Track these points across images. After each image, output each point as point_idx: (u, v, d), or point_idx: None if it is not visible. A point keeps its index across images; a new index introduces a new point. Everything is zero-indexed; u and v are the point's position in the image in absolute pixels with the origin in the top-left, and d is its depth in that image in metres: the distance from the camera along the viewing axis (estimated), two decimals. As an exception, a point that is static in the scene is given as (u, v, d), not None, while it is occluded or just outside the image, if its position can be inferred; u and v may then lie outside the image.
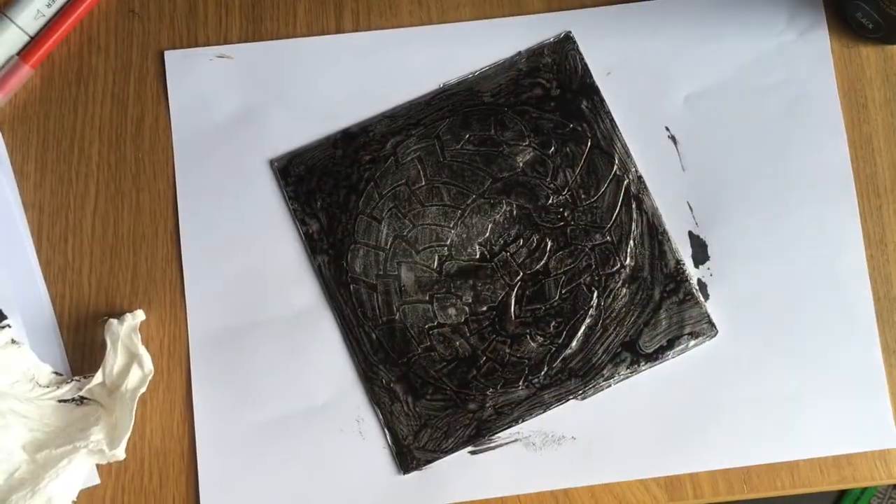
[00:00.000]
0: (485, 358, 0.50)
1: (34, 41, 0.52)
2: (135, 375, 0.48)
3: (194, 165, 0.52)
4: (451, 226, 0.51)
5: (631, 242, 0.51)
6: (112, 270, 0.51)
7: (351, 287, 0.51)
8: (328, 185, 0.52)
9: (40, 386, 0.48)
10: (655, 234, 0.51)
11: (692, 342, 0.50)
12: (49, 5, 0.52)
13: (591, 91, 0.52)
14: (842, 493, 0.99)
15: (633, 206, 0.51)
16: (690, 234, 0.52)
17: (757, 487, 0.50)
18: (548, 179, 0.52)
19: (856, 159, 0.52)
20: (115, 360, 0.48)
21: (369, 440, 0.50)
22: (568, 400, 0.50)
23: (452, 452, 0.50)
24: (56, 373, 0.49)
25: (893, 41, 0.52)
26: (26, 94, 0.53)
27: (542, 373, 0.50)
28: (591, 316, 0.51)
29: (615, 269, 0.51)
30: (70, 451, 0.47)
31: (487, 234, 0.51)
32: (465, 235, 0.51)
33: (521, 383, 0.50)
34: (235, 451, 0.50)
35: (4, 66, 0.52)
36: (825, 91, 0.53)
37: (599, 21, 0.53)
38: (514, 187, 0.52)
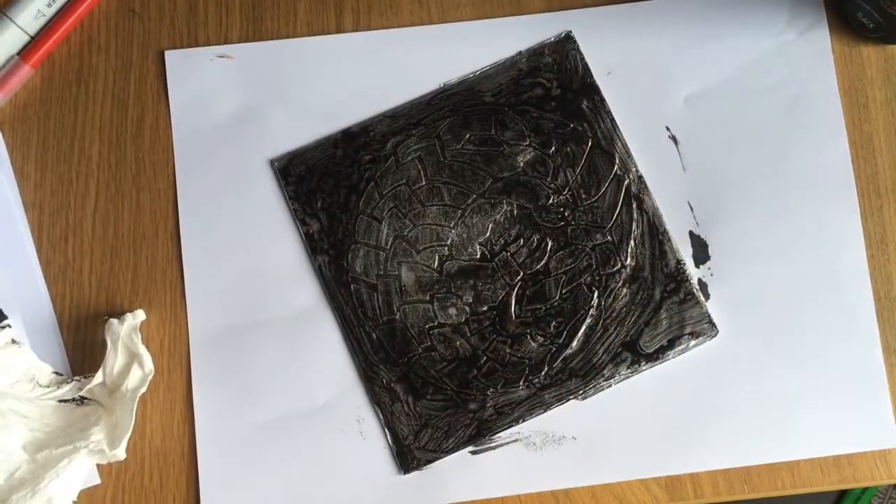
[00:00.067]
0: (485, 358, 0.50)
1: (34, 41, 0.52)
2: (135, 375, 0.48)
3: (195, 165, 0.52)
4: (452, 225, 0.51)
5: (631, 242, 0.51)
6: (112, 270, 0.51)
7: (351, 287, 0.51)
8: (328, 185, 0.52)
9: (40, 386, 0.48)
10: (656, 233, 0.51)
11: (693, 342, 0.50)
12: (49, 5, 0.52)
13: (592, 91, 0.52)
14: (842, 493, 0.99)
15: (634, 205, 0.51)
16: (691, 233, 0.52)
17: (757, 487, 0.50)
18: (548, 179, 0.52)
19: (856, 159, 0.52)
20: (115, 359, 0.48)
21: (370, 440, 0.50)
22: (568, 400, 0.50)
23: (453, 452, 0.50)
24: (56, 373, 0.49)
25: (894, 41, 0.52)
26: (26, 93, 0.52)
27: (543, 373, 0.50)
28: (592, 316, 0.51)
29: (616, 268, 0.51)
30: (70, 451, 0.47)
31: (488, 234, 0.51)
32: (465, 235, 0.51)
33: (521, 383, 0.50)
34: (236, 451, 0.50)
35: (5, 65, 0.52)
36: (826, 91, 0.53)
37: (600, 21, 0.53)
38: (515, 187, 0.52)
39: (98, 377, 0.48)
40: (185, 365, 0.50)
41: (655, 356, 0.50)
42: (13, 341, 0.48)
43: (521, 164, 0.52)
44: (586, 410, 0.50)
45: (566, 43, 0.53)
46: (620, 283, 0.51)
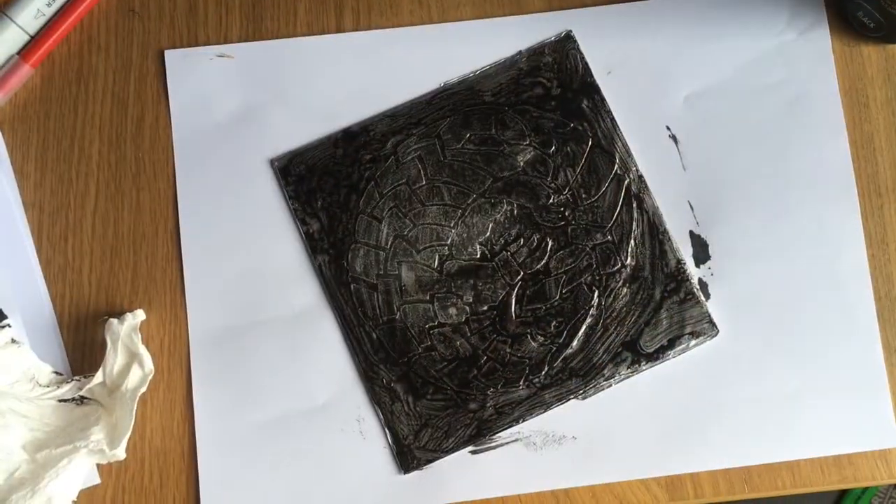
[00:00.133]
0: (485, 357, 0.50)
1: (34, 40, 0.52)
2: (135, 375, 0.48)
3: (194, 165, 0.52)
4: (452, 225, 0.51)
5: (632, 242, 0.51)
6: (112, 270, 0.51)
7: (351, 286, 0.51)
8: (329, 185, 0.52)
9: (40, 385, 0.48)
10: (656, 233, 0.51)
11: (693, 342, 0.50)
12: (49, 4, 0.52)
13: (592, 90, 0.52)
14: (842, 493, 0.99)
15: (634, 205, 0.51)
16: (691, 233, 0.52)
17: (758, 487, 0.50)
18: (548, 179, 0.52)
19: (857, 159, 0.52)
20: (115, 359, 0.48)
21: (370, 440, 0.50)
22: (568, 399, 0.50)
23: (453, 452, 0.50)
24: (56, 372, 0.49)
25: (895, 40, 0.52)
26: (26, 93, 0.52)
27: (543, 372, 0.50)
28: (592, 315, 0.51)
29: (616, 268, 0.51)
30: (70, 450, 0.47)
31: (488, 234, 0.51)
32: (465, 235, 0.51)
33: (521, 383, 0.50)
34: (236, 451, 0.50)
35: (5, 65, 0.52)
36: (826, 90, 0.52)
37: (600, 20, 0.53)
38: (515, 186, 0.52)
39: (98, 377, 0.48)
40: (185, 365, 0.50)
41: (656, 356, 0.50)
42: (13, 341, 0.48)
43: (522, 164, 0.52)
44: (586, 410, 0.50)
45: (566, 42, 0.53)
46: (621, 283, 0.51)
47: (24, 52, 0.52)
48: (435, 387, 0.50)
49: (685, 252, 0.51)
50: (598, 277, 0.51)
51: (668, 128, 0.52)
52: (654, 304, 0.51)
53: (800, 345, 0.50)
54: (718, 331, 0.50)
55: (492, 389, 0.50)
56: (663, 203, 0.52)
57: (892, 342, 0.50)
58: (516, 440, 0.50)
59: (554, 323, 0.51)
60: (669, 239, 0.51)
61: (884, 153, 0.52)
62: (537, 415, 0.50)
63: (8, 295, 0.50)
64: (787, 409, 0.50)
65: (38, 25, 0.53)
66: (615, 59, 0.53)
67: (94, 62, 0.53)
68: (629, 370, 0.50)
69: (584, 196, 0.51)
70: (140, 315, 0.50)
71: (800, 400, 0.50)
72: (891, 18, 0.50)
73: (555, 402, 0.50)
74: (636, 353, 0.50)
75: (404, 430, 0.50)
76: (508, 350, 0.50)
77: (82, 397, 0.49)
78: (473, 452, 0.50)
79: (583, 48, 0.53)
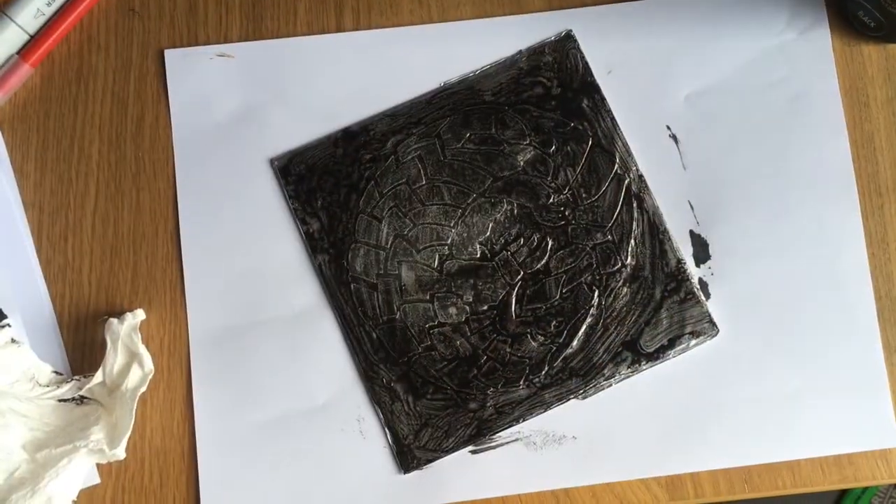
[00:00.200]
0: (485, 357, 0.50)
1: (34, 40, 0.52)
2: (135, 375, 0.48)
3: (194, 164, 0.52)
4: (452, 225, 0.51)
5: (632, 241, 0.51)
6: (112, 270, 0.51)
7: (351, 286, 0.51)
8: (329, 184, 0.52)
9: (40, 385, 0.48)
10: (656, 233, 0.51)
11: (693, 341, 0.50)
12: (49, 4, 0.52)
13: (592, 90, 0.52)
14: (843, 493, 0.99)
15: (634, 204, 0.51)
16: (691, 232, 0.52)
17: (758, 487, 0.50)
18: (549, 178, 0.52)
19: (857, 158, 0.52)
20: (115, 359, 0.48)
21: (370, 439, 0.50)
22: (569, 399, 0.50)
23: (453, 452, 0.50)
24: (56, 372, 0.49)
25: (895, 39, 0.52)
26: (26, 92, 0.52)
27: (543, 372, 0.50)
28: (592, 315, 0.51)
29: (616, 268, 0.51)
30: (70, 450, 0.47)
31: (488, 234, 0.51)
32: (465, 234, 0.51)
33: (521, 383, 0.50)
34: (236, 451, 0.50)
35: (4, 64, 0.52)
36: (826, 90, 0.52)
37: (600, 19, 0.53)
38: (515, 186, 0.52)
39: (98, 377, 0.48)
40: (185, 365, 0.50)
41: (656, 355, 0.50)
42: (13, 341, 0.48)
43: (522, 164, 0.52)
44: (587, 410, 0.50)
45: (566, 42, 0.53)
46: (621, 283, 0.51)
47: (24, 51, 0.52)
48: (435, 386, 0.50)
49: (685, 252, 0.51)
50: (598, 277, 0.51)
51: (668, 127, 0.52)
52: (654, 304, 0.51)
53: (800, 344, 0.50)
54: (718, 330, 0.50)
55: (492, 389, 0.50)
56: (663, 202, 0.52)
57: (892, 342, 0.50)
58: (516, 440, 0.50)
59: (554, 322, 0.50)
60: (670, 238, 0.51)
61: (884, 152, 0.52)
62: (537, 414, 0.50)
63: (8, 295, 0.50)
64: (788, 408, 0.50)
65: (37, 25, 0.53)
66: (615, 59, 0.53)
67: (93, 62, 0.53)
68: (629, 370, 0.50)
69: (584, 195, 0.51)
70: (140, 315, 0.50)
71: (800, 400, 0.50)
72: (891, 18, 0.50)
73: (555, 401, 0.50)
74: (636, 353, 0.50)
75: (404, 429, 0.50)
76: (508, 350, 0.50)
77: (82, 397, 0.49)
78: (473, 452, 0.50)
79: (583, 48, 0.53)
